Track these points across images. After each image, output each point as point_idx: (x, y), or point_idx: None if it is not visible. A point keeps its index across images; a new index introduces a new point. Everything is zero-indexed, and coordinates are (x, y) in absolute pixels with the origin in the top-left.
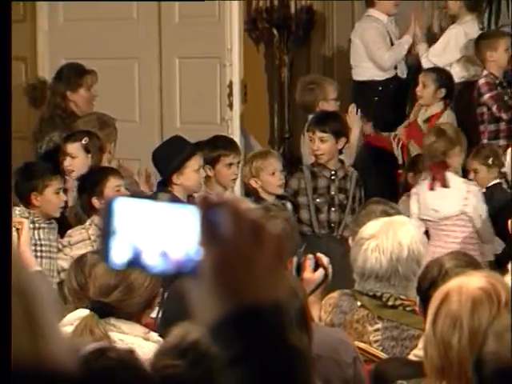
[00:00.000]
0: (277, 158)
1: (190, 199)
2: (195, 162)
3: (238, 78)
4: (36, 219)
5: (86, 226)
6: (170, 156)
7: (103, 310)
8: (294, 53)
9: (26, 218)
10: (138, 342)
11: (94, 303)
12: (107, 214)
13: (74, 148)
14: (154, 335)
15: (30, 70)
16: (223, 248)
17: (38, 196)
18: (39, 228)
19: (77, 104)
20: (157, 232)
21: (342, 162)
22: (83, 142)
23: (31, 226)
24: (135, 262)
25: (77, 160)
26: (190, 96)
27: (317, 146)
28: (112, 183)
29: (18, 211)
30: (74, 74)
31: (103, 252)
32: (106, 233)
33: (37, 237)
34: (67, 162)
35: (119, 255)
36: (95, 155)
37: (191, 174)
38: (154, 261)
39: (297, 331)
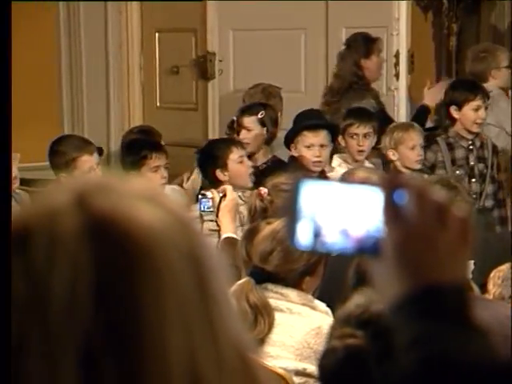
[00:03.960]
0: (418, 132)
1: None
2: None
3: (404, 48)
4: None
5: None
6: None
7: (261, 276)
8: (462, 21)
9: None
10: (306, 311)
11: (253, 269)
12: (293, 196)
13: (250, 121)
14: (321, 305)
15: (199, 42)
16: (407, 227)
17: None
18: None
19: (370, 70)
20: (338, 211)
21: None
22: (259, 115)
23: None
24: (317, 242)
25: (252, 133)
26: None
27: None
28: (235, 154)
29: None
30: (365, 42)
31: (288, 232)
32: (291, 214)
33: None
34: (243, 135)
35: (304, 235)
36: (270, 128)
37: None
38: (334, 238)
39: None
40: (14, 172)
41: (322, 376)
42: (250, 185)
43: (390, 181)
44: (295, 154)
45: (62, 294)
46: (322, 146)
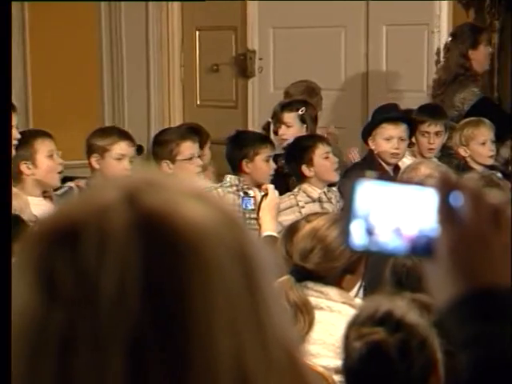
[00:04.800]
0: (489, 128)
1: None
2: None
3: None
4: (245, 186)
5: (295, 192)
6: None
7: (301, 274)
8: (504, 18)
9: (236, 185)
10: (346, 309)
11: (293, 267)
12: (350, 196)
13: (290, 117)
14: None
15: (239, 39)
16: (462, 229)
17: (249, 163)
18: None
19: (478, 61)
20: (392, 211)
21: None
22: (300, 112)
23: (241, 193)
24: (371, 241)
25: (292, 129)
26: (396, 63)
27: None
28: (321, 150)
29: (228, 178)
30: (472, 32)
31: (344, 233)
32: (346, 213)
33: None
34: (282, 131)
35: (359, 236)
36: (310, 125)
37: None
38: (387, 238)
39: None
40: (59, 160)
41: (349, 378)
42: (336, 179)
43: (445, 182)
44: (372, 147)
45: (111, 290)
46: (400, 138)
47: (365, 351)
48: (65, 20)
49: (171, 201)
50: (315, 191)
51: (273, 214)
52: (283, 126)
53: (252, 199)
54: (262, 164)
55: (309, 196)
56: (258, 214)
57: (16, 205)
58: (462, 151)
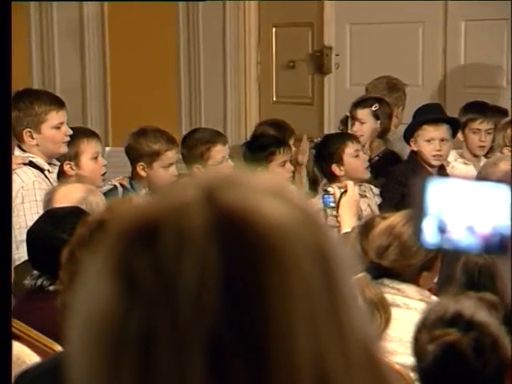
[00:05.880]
0: None
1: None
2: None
3: None
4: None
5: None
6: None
7: (377, 271)
8: None
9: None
10: (422, 306)
11: (369, 264)
12: (420, 193)
13: (364, 114)
14: None
15: (316, 36)
16: None
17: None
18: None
19: None
20: (464, 208)
21: None
22: (373, 108)
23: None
24: (443, 239)
25: (366, 126)
26: (474, 59)
27: None
28: (350, 148)
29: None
30: None
31: (416, 231)
32: (418, 211)
33: None
34: (356, 127)
35: (430, 232)
36: (384, 121)
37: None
38: (460, 235)
39: None
40: (103, 162)
41: (425, 381)
42: (367, 177)
43: None
44: (414, 149)
45: (191, 289)
46: (442, 140)
47: (439, 353)
48: (143, 18)
49: (250, 199)
50: None
51: (352, 210)
52: (357, 123)
53: (331, 196)
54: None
55: None
56: (337, 210)
57: (93, 200)
58: (507, 152)
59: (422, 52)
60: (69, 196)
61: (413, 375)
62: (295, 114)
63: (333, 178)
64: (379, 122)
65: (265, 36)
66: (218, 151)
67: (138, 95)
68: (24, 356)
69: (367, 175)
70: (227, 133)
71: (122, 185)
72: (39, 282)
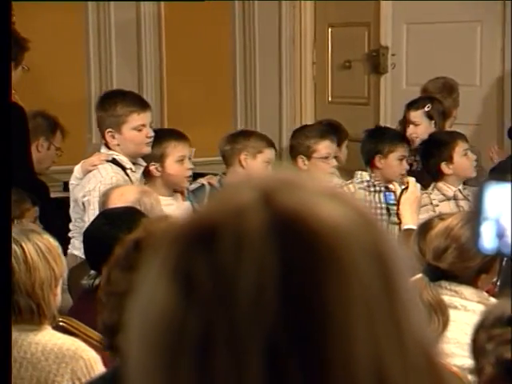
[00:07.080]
0: None
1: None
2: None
3: None
4: (376, 182)
5: (429, 190)
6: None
7: (435, 273)
8: None
9: (367, 181)
10: (481, 308)
11: (427, 266)
12: (479, 198)
13: (416, 116)
14: None
15: (372, 36)
16: None
17: (382, 159)
18: (379, 191)
19: None
20: None
21: None
22: (426, 109)
23: (372, 189)
24: (501, 243)
25: (420, 127)
26: None
27: None
28: (460, 147)
29: (359, 174)
30: None
31: (474, 236)
32: (475, 216)
33: (377, 199)
34: (410, 130)
35: (487, 237)
36: (438, 121)
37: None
38: None
39: None
40: (188, 165)
41: (484, 381)
42: (474, 175)
43: None
44: None
45: (249, 291)
46: None
47: (498, 352)
48: (199, 18)
49: (307, 201)
50: (450, 189)
51: (413, 207)
52: (411, 126)
53: (393, 193)
54: (394, 162)
55: (443, 194)
56: (398, 207)
57: (147, 202)
58: None
59: (480, 51)
60: (123, 197)
61: (470, 377)
62: (351, 114)
63: (440, 177)
64: (433, 122)
65: (320, 36)
66: (326, 146)
67: (194, 95)
68: (81, 351)
69: (475, 173)
70: (282, 133)
71: (210, 183)
72: (96, 281)
